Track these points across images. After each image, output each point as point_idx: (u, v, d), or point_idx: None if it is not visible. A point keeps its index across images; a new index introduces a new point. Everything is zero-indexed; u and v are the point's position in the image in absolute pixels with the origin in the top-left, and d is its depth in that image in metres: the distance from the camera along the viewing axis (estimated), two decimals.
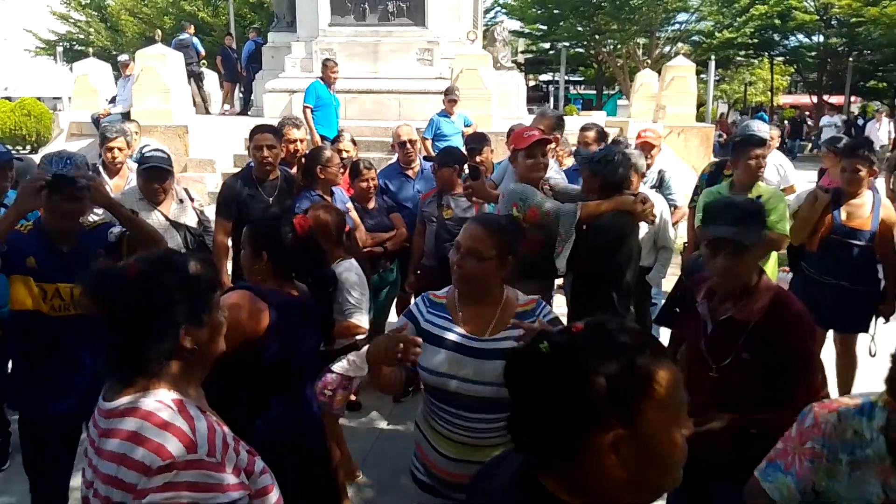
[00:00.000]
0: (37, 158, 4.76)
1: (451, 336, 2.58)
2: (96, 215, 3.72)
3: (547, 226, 3.98)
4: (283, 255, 2.87)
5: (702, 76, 22.59)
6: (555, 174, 4.65)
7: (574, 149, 6.36)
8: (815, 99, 35.64)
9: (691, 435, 1.28)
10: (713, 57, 26.72)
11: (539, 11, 33.65)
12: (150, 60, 12.64)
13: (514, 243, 2.63)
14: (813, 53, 35.46)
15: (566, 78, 33.85)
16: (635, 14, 29.91)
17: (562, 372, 1.22)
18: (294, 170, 5.25)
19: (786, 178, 7.03)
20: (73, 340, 3.14)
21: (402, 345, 2.25)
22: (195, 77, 15.61)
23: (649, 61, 22.87)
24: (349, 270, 3.89)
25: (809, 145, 29.63)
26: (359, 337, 3.95)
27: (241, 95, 17.00)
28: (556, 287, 4.92)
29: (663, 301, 4.18)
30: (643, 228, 4.34)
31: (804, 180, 8.11)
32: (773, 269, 4.93)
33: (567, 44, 34.15)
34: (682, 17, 33.26)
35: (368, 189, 5.30)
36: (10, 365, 3.67)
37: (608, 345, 1.23)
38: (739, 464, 2.27)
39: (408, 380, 2.68)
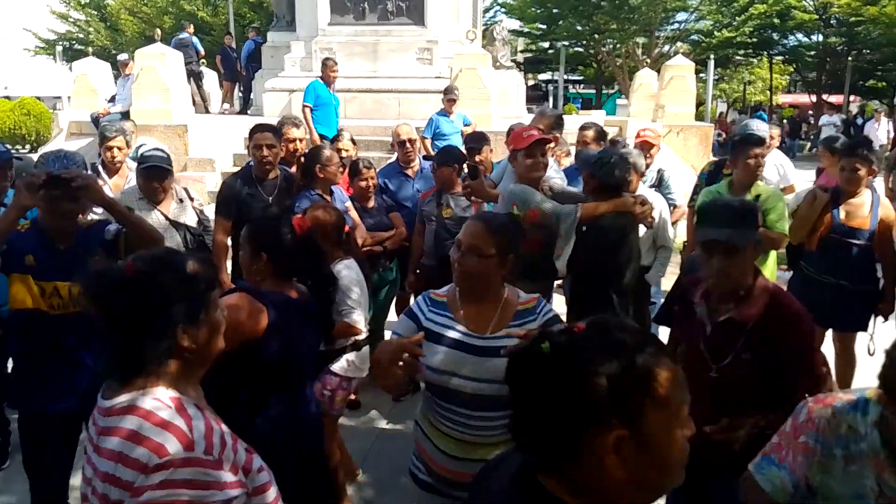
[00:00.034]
0: (36, 158, 4.76)
1: (452, 334, 2.59)
2: (96, 214, 3.73)
3: (547, 226, 3.99)
4: (283, 255, 2.87)
5: (701, 75, 22.59)
6: (554, 173, 4.65)
7: (571, 149, 6.37)
8: (814, 98, 35.65)
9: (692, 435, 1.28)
10: (712, 56, 26.79)
11: (538, 11, 33.65)
12: (149, 60, 12.64)
13: (514, 242, 2.65)
14: (812, 53, 35.47)
15: (565, 77, 33.88)
16: (634, 13, 29.91)
17: (562, 372, 1.22)
18: (293, 169, 5.25)
19: (785, 178, 7.04)
20: (73, 340, 3.14)
21: (406, 354, 2.28)
22: (195, 76, 15.62)
23: (648, 60, 22.90)
24: (347, 270, 3.89)
25: (808, 144, 29.63)
26: (359, 337, 3.95)
27: (240, 95, 17.00)
28: (555, 287, 4.92)
29: (662, 300, 4.19)
30: (642, 227, 4.35)
31: (804, 180, 8.12)
32: (773, 268, 4.94)
33: (566, 43, 34.15)
34: (681, 16, 33.34)
35: (368, 188, 5.30)
36: (9, 364, 3.68)
37: (609, 345, 1.23)
38: (739, 463, 2.28)
39: (409, 378, 2.70)
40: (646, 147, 6.00)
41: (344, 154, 5.88)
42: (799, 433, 2.02)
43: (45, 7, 32.72)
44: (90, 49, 26.92)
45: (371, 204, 5.37)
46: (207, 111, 15.98)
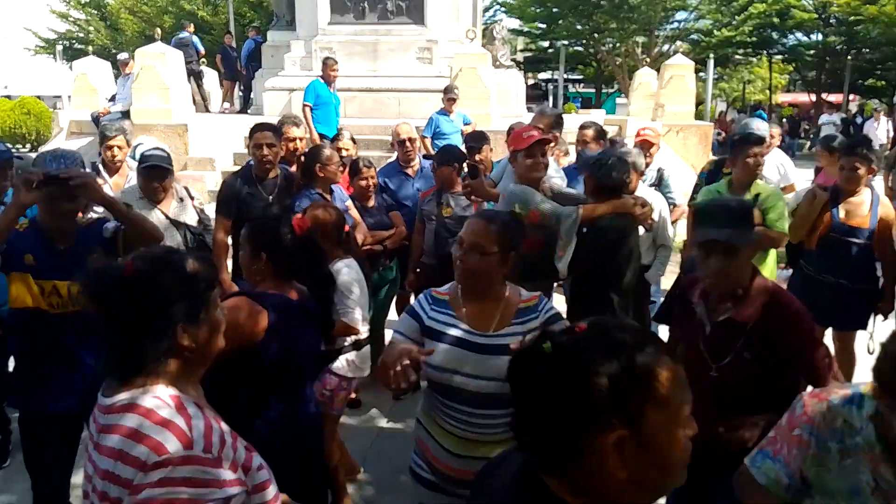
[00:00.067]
0: (34, 157, 4.76)
1: (454, 332, 2.60)
2: (95, 213, 3.73)
3: (547, 227, 4.00)
4: (283, 255, 2.87)
5: (700, 74, 22.57)
6: (554, 173, 4.66)
7: (570, 148, 6.38)
8: (813, 97, 35.65)
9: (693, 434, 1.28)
10: (712, 55, 26.78)
11: (538, 10, 33.65)
12: (149, 59, 12.62)
13: (516, 239, 2.66)
14: (811, 52, 35.47)
15: (565, 76, 33.85)
16: (634, 12, 29.89)
17: (563, 372, 1.22)
18: (294, 168, 5.26)
19: (786, 177, 7.04)
20: (73, 339, 3.14)
21: (411, 369, 2.31)
22: (195, 75, 15.62)
23: (648, 60, 22.93)
24: (347, 269, 3.89)
25: (808, 144, 29.63)
26: (360, 336, 3.95)
27: (240, 94, 17.01)
28: (554, 287, 4.93)
29: (662, 299, 4.20)
30: (641, 227, 4.36)
31: (804, 179, 8.12)
32: (772, 267, 4.94)
33: (566, 42, 34.14)
34: (680, 15, 33.34)
35: (368, 187, 5.31)
36: (10, 363, 3.68)
37: (610, 345, 1.23)
38: (740, 463, 2.28)
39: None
40: (646, 146, 6.01)
41: (344, 153, 5.88)
42: (794, 426, 2.03)
43: (45, 6, 32.72)
44: (90, 48, 26.96)
45: (371, 203, 5.38)
46: (208, 110, 15.98)
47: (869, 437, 1.90)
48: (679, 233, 6.44)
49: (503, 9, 35.62)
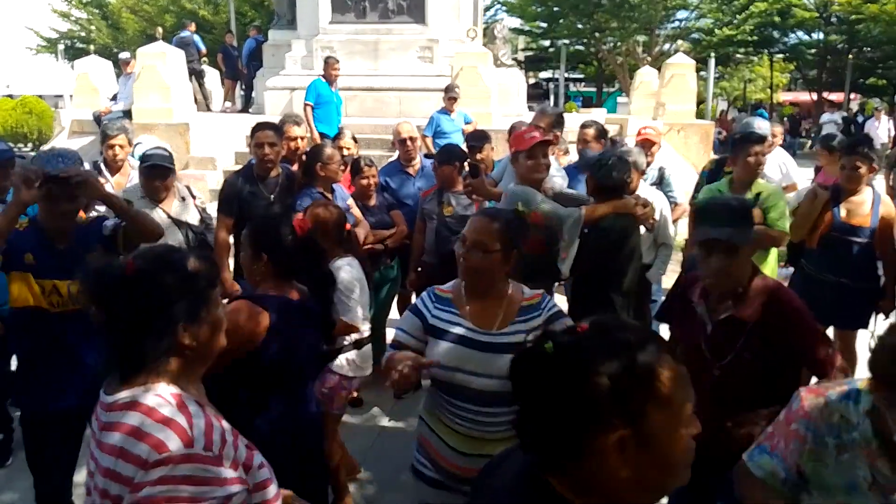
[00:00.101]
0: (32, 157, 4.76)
1: (458, 330, 2.61)
2: (97, 211, 3.73)
3: (549, 227, 4.00)
4: (283, 256, 2.87)
5: (702, 73, 22.56)
6: (556, 172, 4.66)
7: (570, 147, 6.37)
8: (814, 96, 35.63)
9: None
10: (713, 54, 26.71)
11: (539, 9, 33.65)
12: (150, 58, 12.60)
13: (519, 237, 2.68)
14: (813, 51, 35.46)
15: (566, 75, 33.79)
16: (635, 11, 29.87)
17: (565, 372, 1.22)
18: (295, 167, 5.27)
19: (788, 176, 7.04)
20: (73, 338, 3.14)
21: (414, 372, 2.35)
22: (196, 75, 15.61)
23: (649, 59, 22.95)
24: (348, 268, 3.89)
25: (809, 142, 29.61)
26: (361, 335, 3.95)
27: (242, 93, 16.99)
28: (555, 287, 4.93)
29: (663, 298, 4.20)
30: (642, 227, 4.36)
31: (805, 178, 8.11)
32: (774, 266, 4.95)
33: (567, 41, 34.12)
34: (681, 14, 33.33)
35: (369, 186, 5.31)
36: (13, 362, 3.69)
37: (611, 344, 1.23)
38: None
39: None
40: (647, 145, 6.01)
41: (345, 152, 5.88)
42: (791, 422, 2.04)
43: (46, 5, 32.73)
44: (92, 47, 26.99)
45: (372, 202, 5.38)
46: (209, 109, 15.97)
47: (865, 433, 1.91)
48: (680, 232, 6.44)
49: (504, 8, 35.62)
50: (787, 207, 4.81)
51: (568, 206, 4.09)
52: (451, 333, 2.60)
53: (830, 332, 4.97)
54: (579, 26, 32.85)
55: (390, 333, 3.53)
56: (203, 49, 16.53)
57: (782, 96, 43.55)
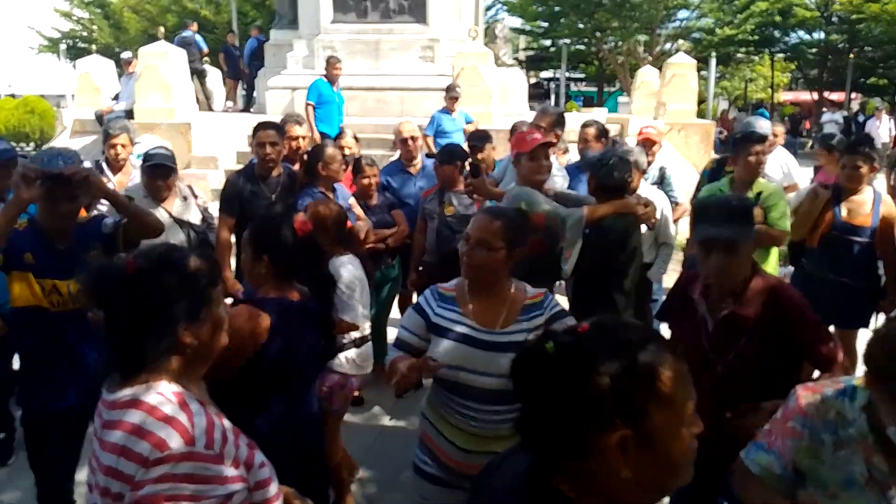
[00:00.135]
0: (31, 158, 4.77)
1: (461, 329, 2.62)
2: (99, 210, 3.73)
3: (550, 228, 4.01)
4: (284, 257, 2.87)
5: (702, 73, 22.56)
6: (556, 171, 4.67)
7: (570, 146, 6.37)
8: (815, 96, 35.61)
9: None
10: (714, 54, 26.70)
11: (540, 9, 33.63)
12: (152, 58, 12.59)
13: (522, 235, 2.69)
14: (814, 50, 35.43)
15: (567, 75, 33.77)
16: (636, 11, 29.88)
17: (566, 372, 1.22)
18: (296, 167, 5.27)
19: (789, 176, 7.04)
20: (74, 337, 3.15)
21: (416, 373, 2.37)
22: (198, 74, 15.60)
23: (650, 58, 22.93)
24: (349, 267, 3.90)
25: (809, 142, 29.59)
26: (362, 334, 3.96)
27: (243, 93, 17.00)
28: (555, 287, 4.93)
29: (664, 297, 4.21)
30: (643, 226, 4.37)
31: (807, 178, 8.11)
32: (774, 265, 4.95)
33: (568, 41, 34.13)
34: (682, 13, 33.33)
35: (370, 186, 5.32)
36: (15, 361, 3.69)
37: (612, 344, 1.23)
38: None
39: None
40: (648, 144, 6.01)
41: (347, 152, 5.89)
42: (788, 418, 2.05)
43: (48, 5, 32.77)
44: (94, 47, 27.01)
45: (373, 201, 5.39)
46: (211, 109, 15.97)
47: (862, 428, 1.91)
48: (681, 231, 6.44)
49: (505, 7, 35.61)
50: (787, 207, 4.81)
51: (570, 206, 4.10)
52: (454, 332, 2.61)
53: (831, 331, 4.99)
54: (580, 26, 32.84)
55: (391, 333, 3.53)
56: (205, 49, 16.53)
57: (783, 96, 43.53)
